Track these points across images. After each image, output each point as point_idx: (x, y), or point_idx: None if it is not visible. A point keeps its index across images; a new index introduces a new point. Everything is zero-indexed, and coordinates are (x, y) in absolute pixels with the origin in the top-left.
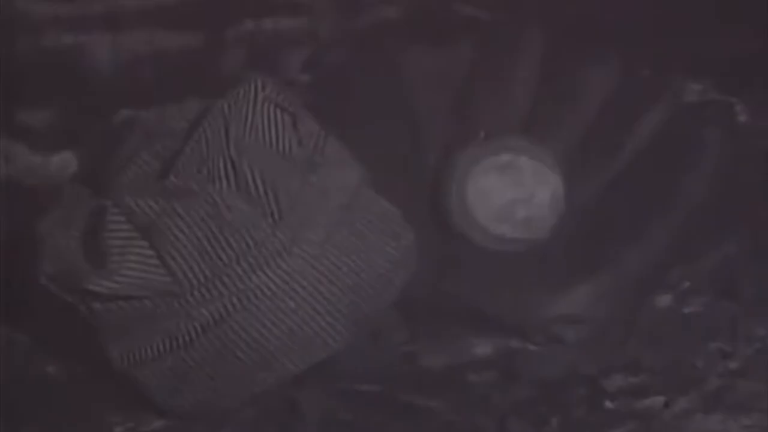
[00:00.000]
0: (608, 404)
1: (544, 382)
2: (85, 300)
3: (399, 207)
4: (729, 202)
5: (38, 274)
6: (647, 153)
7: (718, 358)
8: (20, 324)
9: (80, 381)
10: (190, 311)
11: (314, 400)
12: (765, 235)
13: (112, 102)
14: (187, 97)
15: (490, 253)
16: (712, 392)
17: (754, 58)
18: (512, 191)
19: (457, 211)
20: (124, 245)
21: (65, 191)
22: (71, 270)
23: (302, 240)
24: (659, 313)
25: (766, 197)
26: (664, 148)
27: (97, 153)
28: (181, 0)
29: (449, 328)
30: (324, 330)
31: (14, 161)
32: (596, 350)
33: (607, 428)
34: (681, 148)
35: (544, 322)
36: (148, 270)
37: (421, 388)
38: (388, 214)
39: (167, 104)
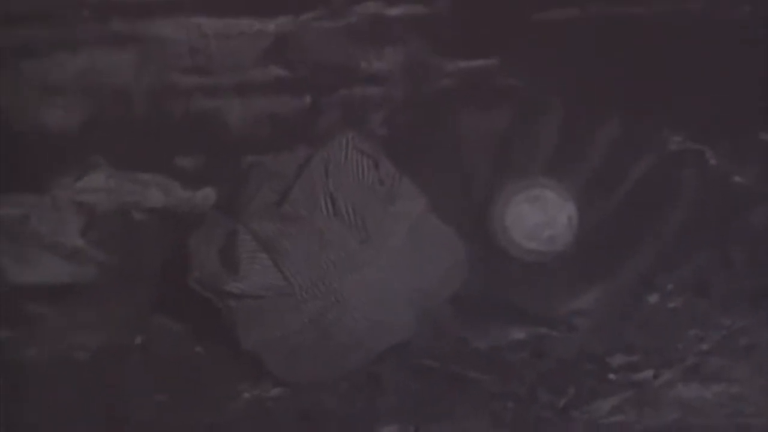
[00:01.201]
0: (611, 376)
1: (564, 359)
2: (223, 298)
3: (454, 228)
4: (702, 225)
5: (188, 279)
6: (641, 188)
7: (694, 341)
8: (175, 316)
9: (219, 358)
10: (299, 306)
11: (391, 373)
12: (729, 249)
13: (241, 150)
14: (296, 146)
15: (523, 263)
16: (689, 367)
17: (720, 116)
18: (539, 216)
19: (499, 231)
20: (251, 257)
21: (207, 217)
22: (212, 276)
23: (383, 253)
24: (649, 308)
25: (728, 221)
26: (653, 184)
27: (230, 189)
28: (292, 73)
29: (492, 319)
30: (399, 320)
31: (170, 195)
32: (602, 336)
33: (610, 395)
34: (666, 184)
35: (563, 315)
36: (269, 276)
37: (472, 364)
38: (446, 234)
39: (282, 152)
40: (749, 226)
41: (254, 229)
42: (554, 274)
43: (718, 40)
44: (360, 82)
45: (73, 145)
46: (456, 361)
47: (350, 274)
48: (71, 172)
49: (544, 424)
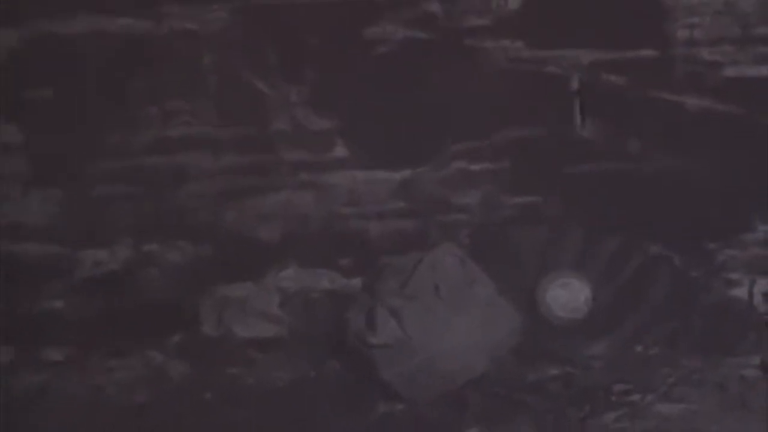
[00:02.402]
0: (614, 398)
1: (584, 387)
2: (368, 347)
3: (512, 304)
4: (671, 303)
5: (346, 335)
6: (632, 278)
7: (666, 377)
8: (337, 358)
9: (364, 385)
10: (415, 352)
11: (473, 396)
12: (689, 319)
13: (378, 254)
14: (413, 252)
15: (557, 326)
16: (663, 393)
17: (682, 234)
18: (567, 297)
19: (542, 305)
20: (384, 322)
21: (358, 297)
22: (361, 333)
23: (468, 320)
24: (637, 355)
25: (688, 301)
26: (640, 276)
27: (372, 279)
28: (410, 205)
29: (538, 362)
30: (477, 363)
31: (335, 282)
32: (608, 372)
33: (613, 410)
34: (648, 276)
35: (583, 358)
36: (396, 333)
37: (524, 390)
38: (507, 308)
39: (404, 255)
40: (702, 304)
41: (387, 305)
42: (577, 332)
43: (682, 187)
44: (453, 211)
45: (276, 251)
46: (514, 388)
47: (447, 333)
48: (274, 268)
49: (571, 430)
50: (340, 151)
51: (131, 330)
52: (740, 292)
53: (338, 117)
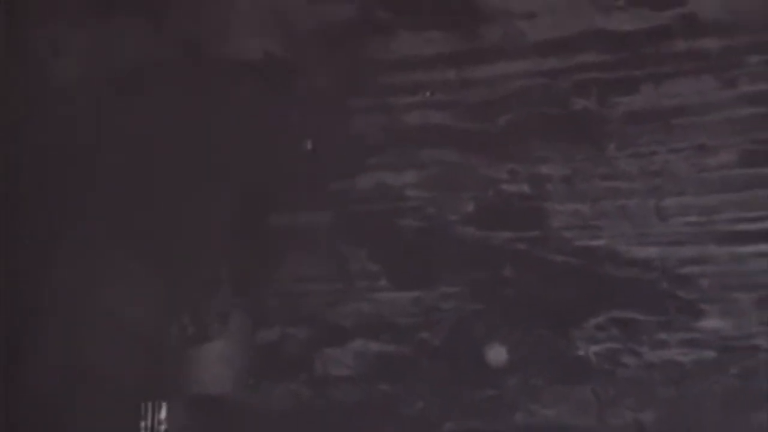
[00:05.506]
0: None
1: (505, 402)
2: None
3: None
4: (549, 358)
5: None
6: (530, 347)
7: (543, 396)
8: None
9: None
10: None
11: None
12: (557, 366)
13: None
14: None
15: (493, 369)
16: (542, 404)
17: (553, 326)
18: (497, 355)
19: (486, 359)
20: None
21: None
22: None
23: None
24: (530, 385)
25: (558, 357)
26: (533, 345)
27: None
28: (434, 337)
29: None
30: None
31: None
32: (517, 393)
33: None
34: (538, 345)
35: (504, 385)
36: None
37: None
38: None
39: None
40: (564, 359)
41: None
42: (502, 373)
43: (553, 306)
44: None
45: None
46: None
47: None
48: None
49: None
50: (384, 282)
51: None
52: (582, 353)
53: (383, 266)
